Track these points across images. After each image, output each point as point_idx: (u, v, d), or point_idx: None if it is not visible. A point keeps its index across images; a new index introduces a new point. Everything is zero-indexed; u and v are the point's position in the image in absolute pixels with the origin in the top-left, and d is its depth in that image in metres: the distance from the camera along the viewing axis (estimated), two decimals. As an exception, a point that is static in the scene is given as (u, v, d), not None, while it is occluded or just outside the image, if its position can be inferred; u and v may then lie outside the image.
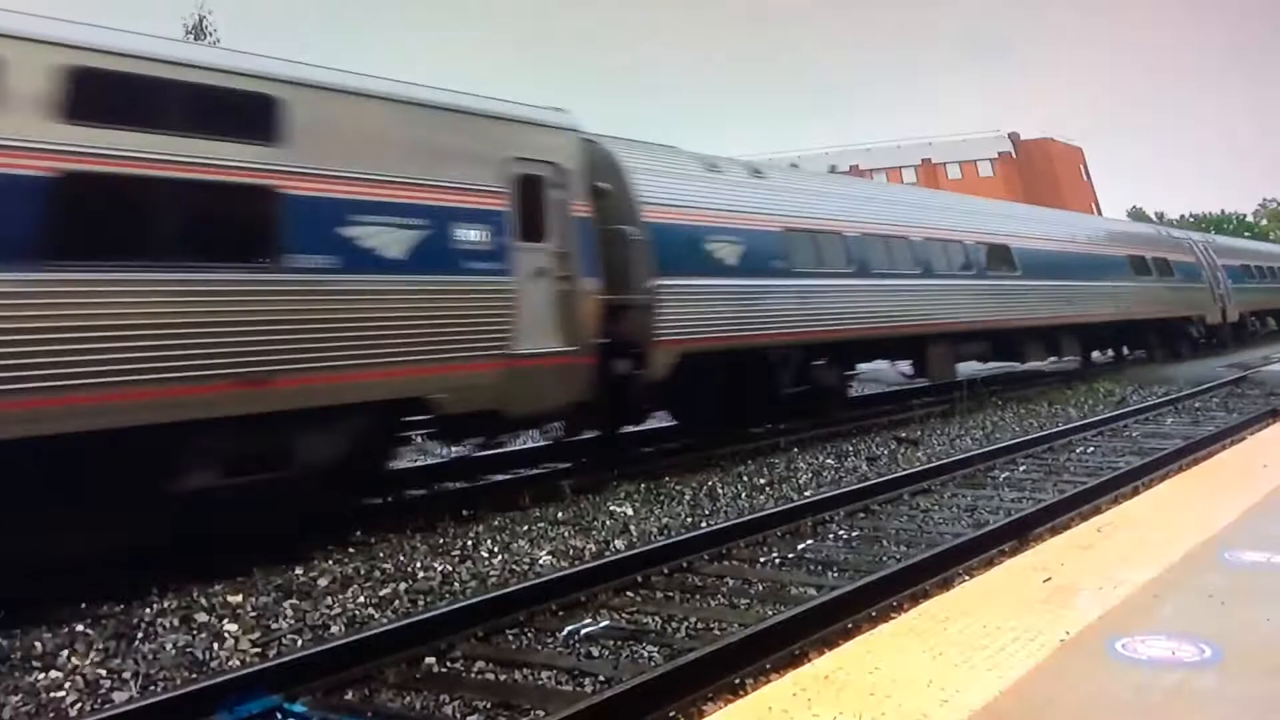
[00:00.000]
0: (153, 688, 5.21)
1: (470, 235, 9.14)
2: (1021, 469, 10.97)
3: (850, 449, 12.82)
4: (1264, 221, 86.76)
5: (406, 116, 9.00)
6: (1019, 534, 7.54)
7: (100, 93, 6.99)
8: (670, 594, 6.67)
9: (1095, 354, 24.72)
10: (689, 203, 12.14)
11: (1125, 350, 25.75)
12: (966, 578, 6.17)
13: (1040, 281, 19.44)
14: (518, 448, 12.56)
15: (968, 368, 18.31)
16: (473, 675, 5.32)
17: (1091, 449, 12.27)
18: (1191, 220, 79.38)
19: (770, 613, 5.95)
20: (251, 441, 7.59)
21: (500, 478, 11.33)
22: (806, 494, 9.89)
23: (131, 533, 7.01)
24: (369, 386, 8.20)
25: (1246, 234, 63.93)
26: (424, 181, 8.81)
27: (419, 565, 7.50)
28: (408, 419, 9.08)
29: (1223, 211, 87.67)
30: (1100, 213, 61.39)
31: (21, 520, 6.45)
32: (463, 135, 9.39)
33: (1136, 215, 74.54)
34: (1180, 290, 26.32)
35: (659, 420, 13.32)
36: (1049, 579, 3.90)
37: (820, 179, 19.80)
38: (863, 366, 17.27)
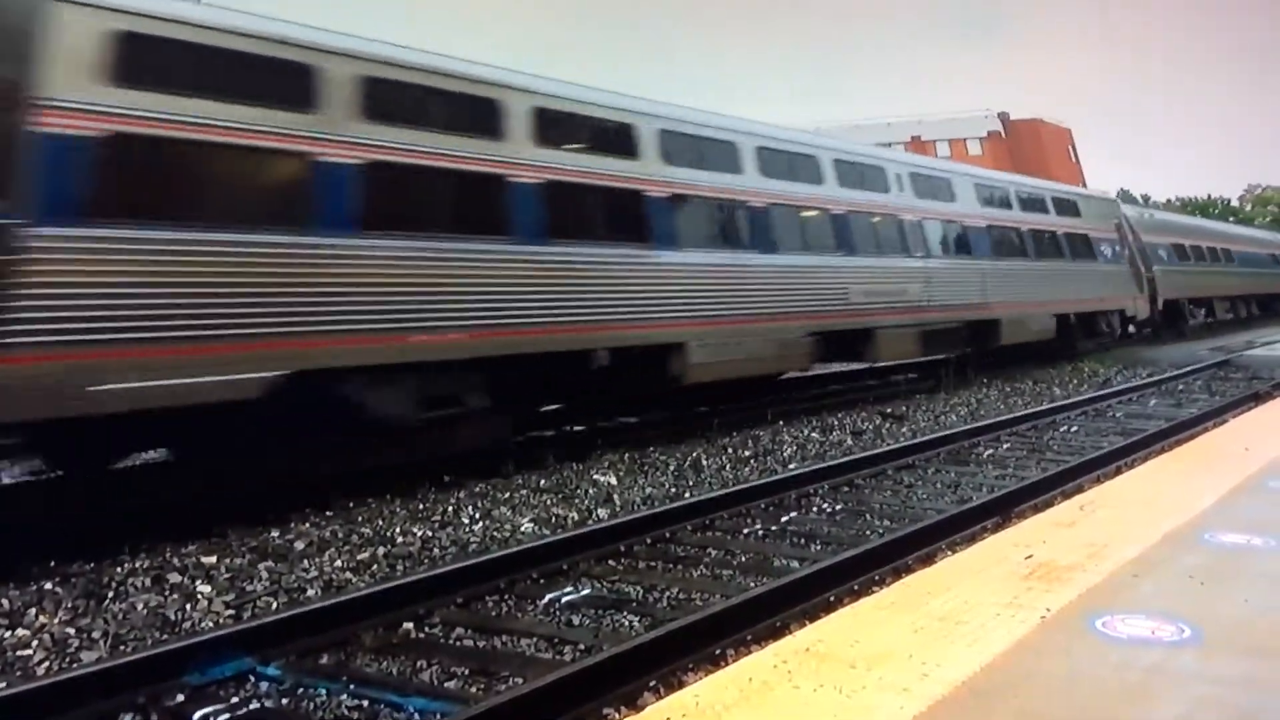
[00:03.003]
0: (123, 648, 5.15)
1: (1118, 248, 23.38)
2: (1005, 446, 11.00)
3: (835, 423, 12.83)
4: (1249, 207, 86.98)
5: (1098, 204, 24.37)
6: (1002, 511, 7.56)
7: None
8: (653, 564, 6.66)
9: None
10: (1147, 227, 26.92)
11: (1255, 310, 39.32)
12: (949, 553, 6.16)
13: (1243, 268, 36.23)
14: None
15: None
16: (451, 641, 5.29)
17: (1075, 428, 12.32)
18: (1178, 204, 79.51)
19: (752, 584, 5.94)
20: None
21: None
22: (791, 467, 9.89)
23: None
24: (1109, 302, 22.59)
25: (1231, 219, 64.04)
26: (1106, 228, 23.16)
27: (398, 530, 7.46)
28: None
29: (1209, 196, 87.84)
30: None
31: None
32: (1107, 210, 24.22)
33: (1125, 198, 74.50)
34: None
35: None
36: (1030, 556, 3.87)
37: (1178, 215, 35.19)
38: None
